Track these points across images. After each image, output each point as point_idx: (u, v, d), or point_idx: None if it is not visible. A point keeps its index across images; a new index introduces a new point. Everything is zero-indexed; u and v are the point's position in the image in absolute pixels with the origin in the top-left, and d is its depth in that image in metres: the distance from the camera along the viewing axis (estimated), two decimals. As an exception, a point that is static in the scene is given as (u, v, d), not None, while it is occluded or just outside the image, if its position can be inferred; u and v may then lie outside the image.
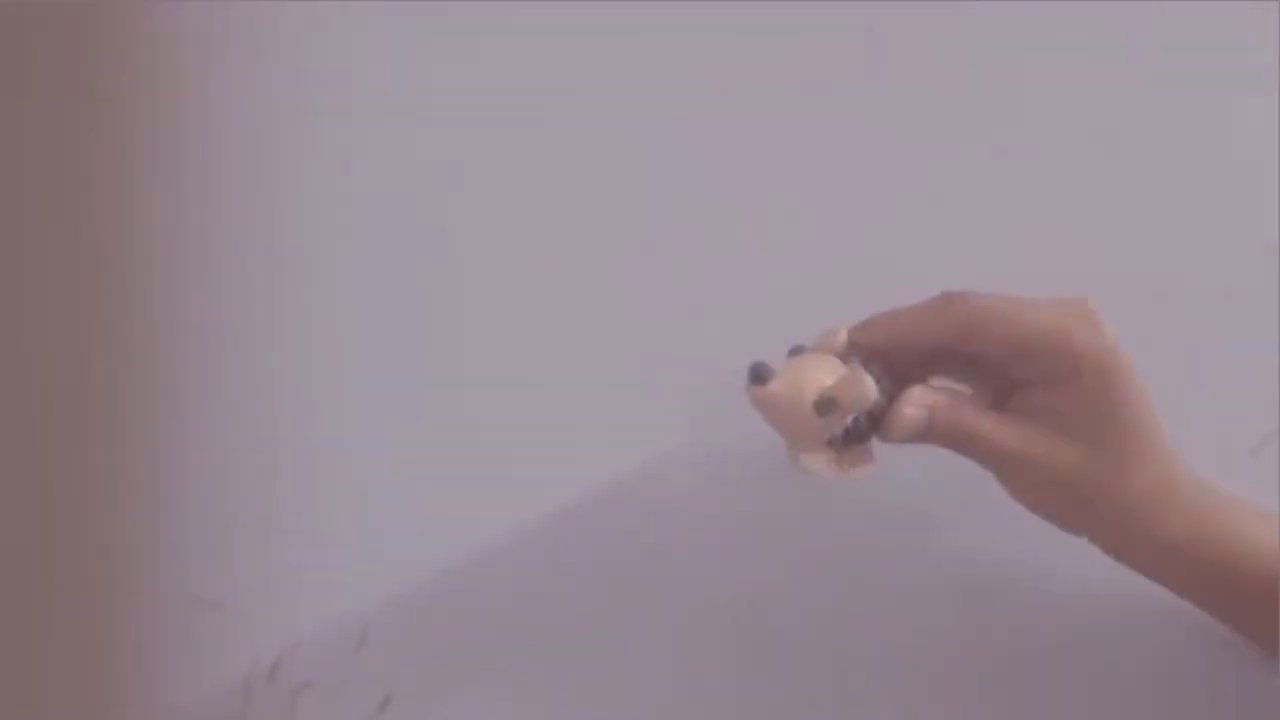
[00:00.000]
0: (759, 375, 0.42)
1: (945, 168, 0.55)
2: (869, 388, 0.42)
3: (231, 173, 0.56)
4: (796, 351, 0.44)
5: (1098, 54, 0.56)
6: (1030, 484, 0.47)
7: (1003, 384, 0.48)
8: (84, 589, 0.55)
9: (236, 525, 0.54)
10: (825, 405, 0.42)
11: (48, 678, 0.55)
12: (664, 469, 0.54)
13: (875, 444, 0.46)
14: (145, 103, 0.56)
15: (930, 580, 0.53)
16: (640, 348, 0.54)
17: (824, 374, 0.42)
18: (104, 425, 0.55)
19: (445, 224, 0.55)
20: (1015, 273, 0.53)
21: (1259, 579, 0.47)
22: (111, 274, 0.55)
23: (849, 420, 0.43)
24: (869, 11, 0.55)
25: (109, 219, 0.56)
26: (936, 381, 0.48)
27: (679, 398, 0.54)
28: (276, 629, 0.54)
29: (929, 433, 0.46)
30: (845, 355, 0.44)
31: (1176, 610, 0.49)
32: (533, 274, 0.55)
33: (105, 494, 0.55)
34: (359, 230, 0.55)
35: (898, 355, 0.47)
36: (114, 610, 0.54)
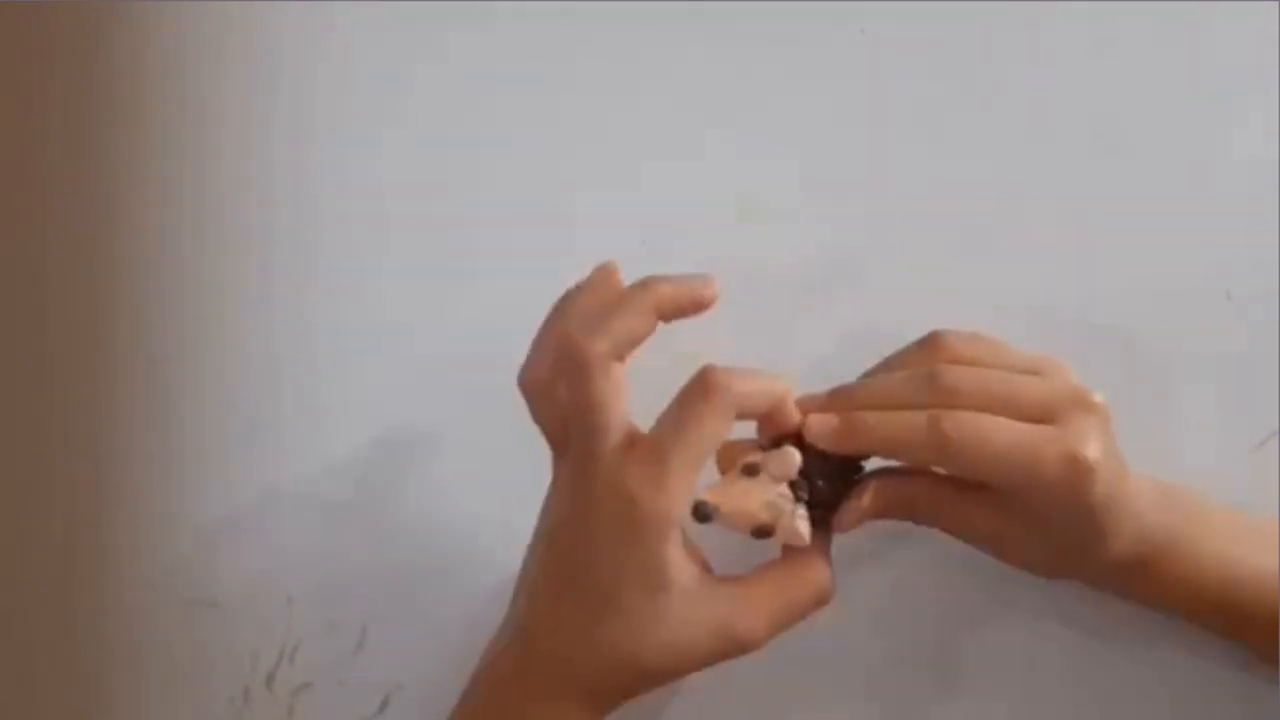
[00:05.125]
0: (701, 515, 0.46)
1: (942, 168, 0.55)
2: (800, 535, 0.46)
3: (231, 172, 0.56)
4: (751, 470, 0.47)
5: (1097, 54, 0.56)
6: (1003, 556, 0.49)
7: None
8: (83, 590, 0.55)
9: (235, 525, 0.54)
10: (762, 533, 0.46)
11: (46, 678, 0.55)
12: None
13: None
14: (145, 102, 0.56)
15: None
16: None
17: (764, 507, 0.46)
18: (102, 426, 0.55)
19: (445, 224, 0.56)
20: (1014, 274, 0.54)
21: (1262, 608, 0.47)
22: (111, 275, 0.56)
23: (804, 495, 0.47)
24: (863, 13, 0.55)
25: (106, 219, 0.56)
26: None
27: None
28: (276, 630, 0.54)
29: (890, 513, 0.48)
30: (796, 478, 0.46)
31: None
32: (533, 274, 0.55)
33: (103, 495, 0.55)
34: (358, 230, 0.56)
35: None
36: (112, 610, 0.55)
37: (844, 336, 0.54)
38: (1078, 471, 0.44)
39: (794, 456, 0.46)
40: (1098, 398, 0.45)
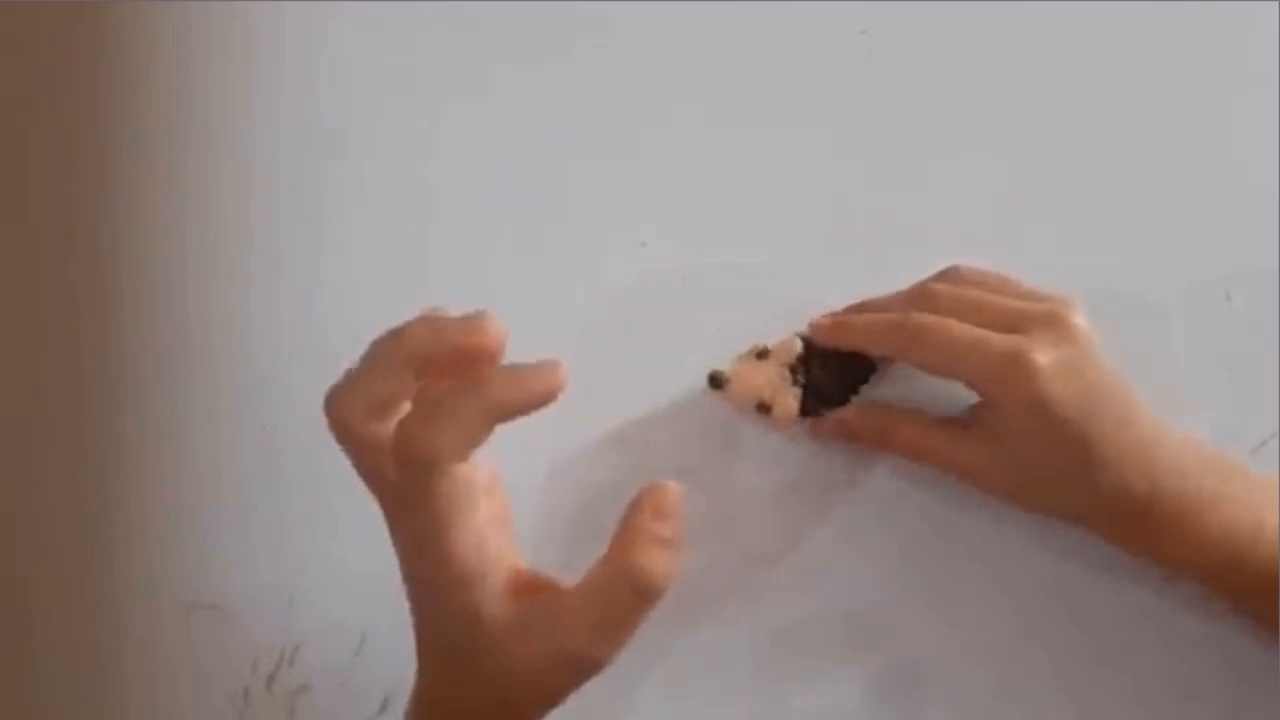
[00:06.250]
0: (715, 383, 0.53)
1: (942, 169, 0.55)
2: (790, 409, 0.52)
3: (232, 172, 0.56)
4: (763, 354, 0.52)
5: (1097, 54, 0.56)
6: (990, 490, 0.50)
7: None
8: (83, 592, 0.55)
9: (235, 528, 0.54)
10: (763, 409, 0.52)
11: (48, 679, 0.55)
12: (666, 469, 0.54)
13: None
14: (145, 102, 0.56)
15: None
16: (634, 348, 0.54)
17: (767, 385, 0.52)
18: (102, 427, 0.55)
19: (446, 224, 0.56)
20: (1014, 273, 0.53)
21: (1259, 562, 0.47)
22: (112, 274, 0.56)
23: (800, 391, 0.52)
24: (863, 13, 0.55)
25: (106, 219, 0.56)
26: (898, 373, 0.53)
27: (678, 398, 0.54)
28: (276, 631, 0.54)
29: (869, 436, 0.52)
30: (795, 363, 0.52)
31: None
32: (533, 274, 0.55)
33: (103, 497, 0.55)
34: (360, 230, 0.56)
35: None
36: (112, 613, 0.55)
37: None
38: (1020, 369, 0.46)
39: (795, 343, 0.52)
40: (1075, 319, 0.47)
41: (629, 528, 0.43)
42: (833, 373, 0.52)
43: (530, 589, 0.43)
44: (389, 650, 0.53)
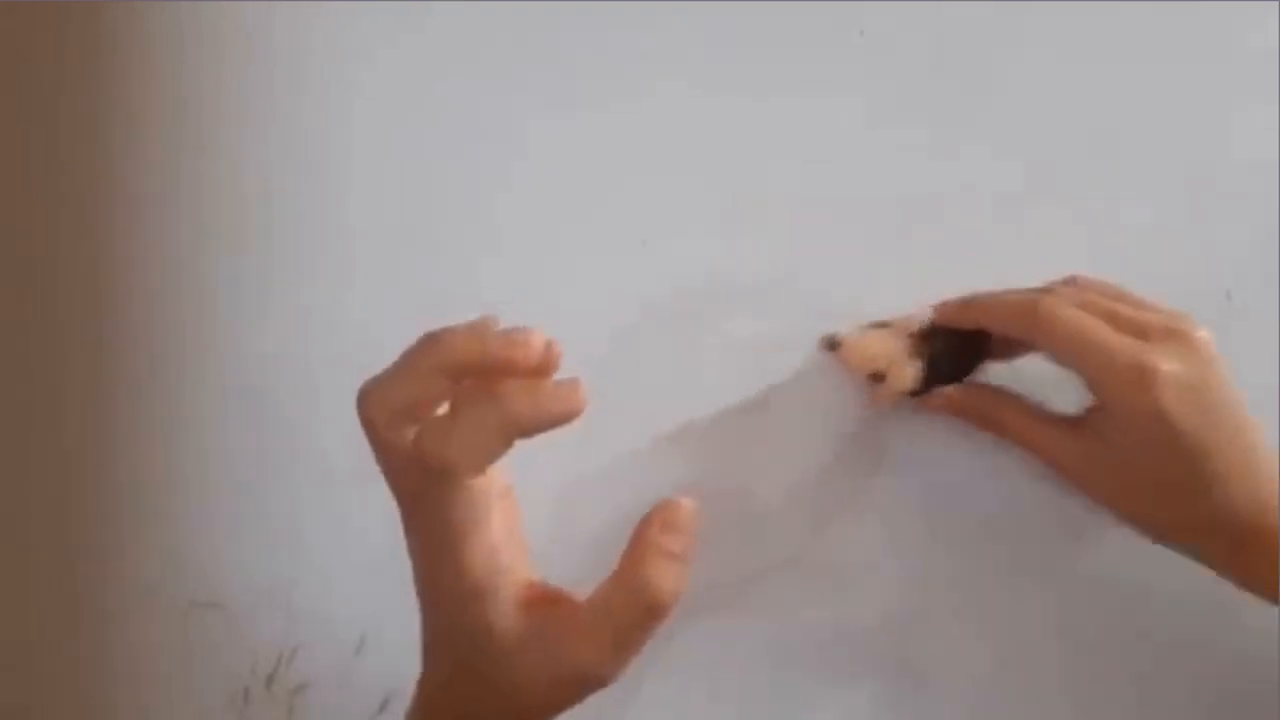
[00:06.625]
0: (828, 344, 0.51)
1: (942, 169, 0.55)
2: (908, 380, 0.50)
3: (231, 173, 0.56)
4: (882, 325, 0.51)
5: (1096, 54, 0.56)
6: (1091, 492, 0.50)
7: None
8: (82, 590, 0.55)
9: (235, 527, 0.54)
10: (876, 378, 0.51)
11: (47, 679, 0.55)
12: (668, 468, 0.54)
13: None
14: (145, 102, 0.56)
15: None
16: (635, 348, 0.54)
17: (883, 353, 0.50)
18: (102, 427, 0.55)
19: (445, 224, 0.56)
20: (1014, 273, 0.53)
21: None
22: (111, 274, 0.56)
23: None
24: (863, 13, 0.55)
25: (106, 219, 0.56)
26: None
27: (678, 399, 0.54)
28: (275, 630, 0.54)
29: (978, 417, 0.52)
30: (918, 336, 0.51)
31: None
32: (533, 274, 0.55)
33: (103, 496, 0.55)
34: (359, 230, 0.56)
35: None
36: (113, 612, 0.55)
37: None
38: (1142, 376, 0.45)
39: (921, 316, 0.51)
40: (1199, 332, 0.47)
41: (639, 542, 0.43)
42: (950, 352, 0.51)
43: (541, 602, 0.43)
44: (388, 650, 0.53)
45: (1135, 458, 0.47)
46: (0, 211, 0.56)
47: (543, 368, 0.41)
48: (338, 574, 0.54)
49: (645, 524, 0.44)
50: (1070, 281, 0.51)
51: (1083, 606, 0.53)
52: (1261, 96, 0.55)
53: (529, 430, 0.41)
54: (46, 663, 0.55)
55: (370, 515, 0.54)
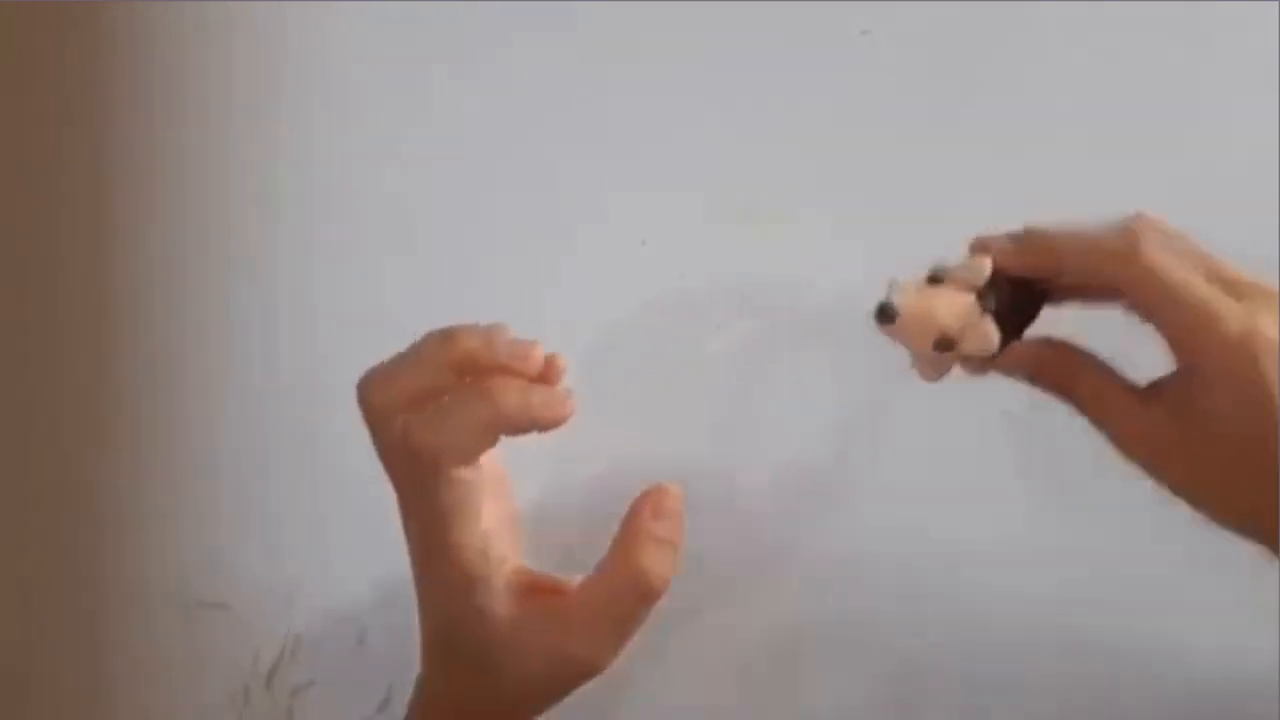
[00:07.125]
0: (885, 315, 0.43)
1: (943, 170, 0.55)
2: (990, 340, 0.43)
3: (233, 173, 0.56)
4: (936, 279, 0.44)
5: (1097, 54, 0.56)
6: (1160, 467, 0.43)
7: None
8: (84, 589, 0.55)
9: (236, 525, 0.54)
10: (944, 345, 0.43)
11: (48, 678, 0.55)
12: (666, 468, 0.54)
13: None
14: (145, 102, 0.56)
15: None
16: (635, 348, 0.54)
17: (951, 315, 0.43)
18: (103, 426, 0.55)
19: (446, 225, 0.56)
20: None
21: None
22: (113, 275, 0.56)
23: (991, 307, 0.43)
24: (864, 13, 0.55)
25: (107, 220, 0.56)
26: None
27: (677, 399, 0.54)
28: (276, 629, 0.54)
29: (1048, 377, 0.44)
30: (984, 289, 0.44)
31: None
32: (533, 274, 0.55)
33: (104, 495, 0.55)
34: (361, 231, 0.56)
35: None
36: (114, 610, 0.55)
37: (844, 335, 0.54)
38: (1255, 342, 0.39)
39: (986, 262, 0.43)
40: None
41: (630, 528, 0.44)
42: (1012, 303, 0.44)
43: (534, 590, 0.44)
44: (388, 647, 0.54)
45: (1230, 432, 0.41)
46: (0, 211, 0.56)
47: (544, 378, 0.42)
48: (338, 572, 0.54)
49: (635, 510, 0.45)
50: (1138, 218, 0.44)
51: (1083, 605, 0.53)
52: (1261, 96, 0.55)
53: (515, 429, 0.42)
54: (47, 662, 0.55)
55: (372, 514, 0.54)
